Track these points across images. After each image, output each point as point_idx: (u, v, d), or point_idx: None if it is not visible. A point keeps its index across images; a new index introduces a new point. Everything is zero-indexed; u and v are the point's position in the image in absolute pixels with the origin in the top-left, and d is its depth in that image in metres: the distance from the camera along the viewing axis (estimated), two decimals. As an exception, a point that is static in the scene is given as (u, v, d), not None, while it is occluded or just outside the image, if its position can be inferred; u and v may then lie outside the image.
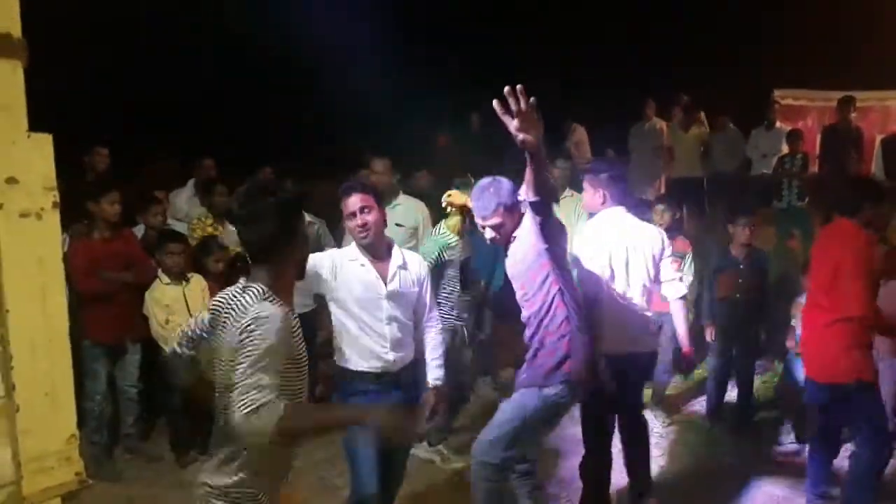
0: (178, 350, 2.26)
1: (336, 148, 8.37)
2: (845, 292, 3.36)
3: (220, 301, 2.09)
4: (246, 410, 1.79)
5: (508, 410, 3.08)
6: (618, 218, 3.47)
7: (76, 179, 5.45)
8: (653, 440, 4.67)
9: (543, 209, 2.85)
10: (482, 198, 3.03)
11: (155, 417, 4.83)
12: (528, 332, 3.11)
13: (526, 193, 2.82)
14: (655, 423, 4.93)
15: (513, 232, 3.06)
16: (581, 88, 9.71)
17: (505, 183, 3.03)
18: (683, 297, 3.69)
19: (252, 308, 1.93)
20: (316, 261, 2.86)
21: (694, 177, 8.49)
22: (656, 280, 3.56)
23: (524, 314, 3.12)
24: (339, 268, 2.92)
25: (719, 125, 8.56)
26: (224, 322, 2.02)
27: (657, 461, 4.43)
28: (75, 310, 4.23)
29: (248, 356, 1.85)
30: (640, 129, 8.87)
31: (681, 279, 3.72)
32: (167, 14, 8.99)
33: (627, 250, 3.41)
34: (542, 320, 3.03)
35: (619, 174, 3.58)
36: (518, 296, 3.14)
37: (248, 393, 1.81)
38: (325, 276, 2.91)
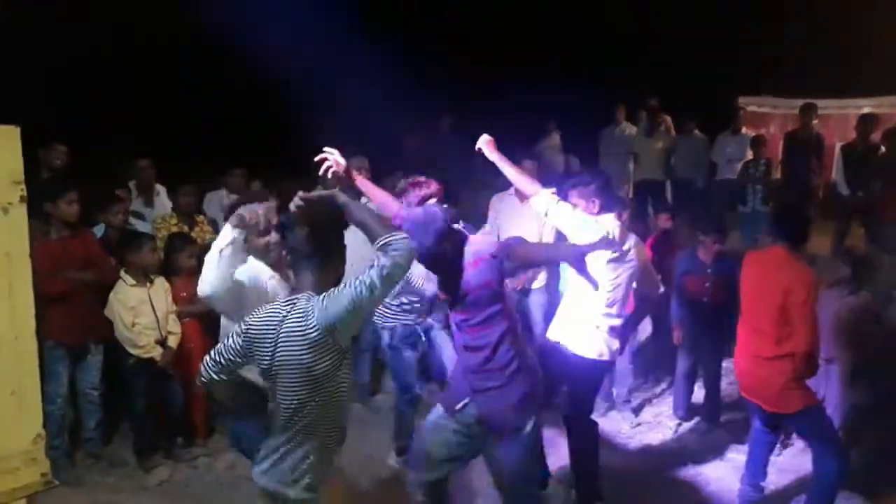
0: (216, 378, 2.34)
1: (305, 149, 8.30)
2: (795, 327, 3.38)
3: (264, 322, 2.20)
4: (390, 258, 2.10)
5: (516, 460, 2.96)
6: (605, 226, 3.52)
7: (32, 176, 5.28)
8: (619, 441, 4.76)
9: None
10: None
11: (117, 421, 4.72)
12: (476, 361, 2.93)
13: (518, 267, 2.94)
14: (623, 425, 4.99)
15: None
16: (551, 91, 9.79)
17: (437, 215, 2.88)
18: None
19: (312, 303, 2.11)
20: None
21: (657, 180, 8.61)
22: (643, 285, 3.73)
23: (473, 341, 2.92)
24: None
25: (685, 130, 8.71)
26: (285, 337, 2.15)
27: (624, 462, 4.49)
28: (37, 310, 4.13)
29: (347, 294, 2.08)
30: (610, 134, 8.97)
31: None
32: (136, 11, 8.83)
33: (615, 261, 3.50)
34: (491, 356, 2.88)
35: (607, 182, 3.69)
36: (460, 319, 2.94)
37: (377, 265, 2.09)
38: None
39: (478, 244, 2.94)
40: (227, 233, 2.67)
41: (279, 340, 2.16)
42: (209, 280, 2.66)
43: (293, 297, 2.21)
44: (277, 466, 2.24)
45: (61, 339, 4.16)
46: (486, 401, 2.91)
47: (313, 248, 2.21)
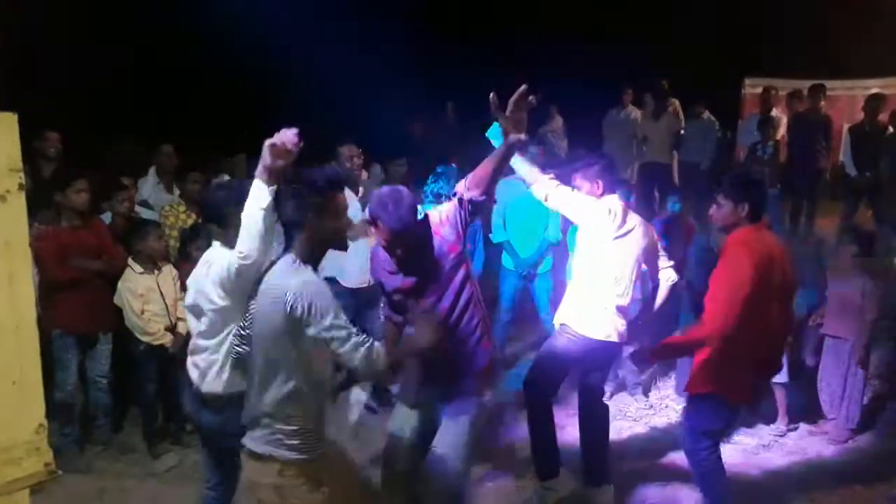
0: (242, 351, 2.45)
1: (310, 136, 8.28)
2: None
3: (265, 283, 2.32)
4: (359, 356, 2.23)
5: (458, 429, 2.85)
6: (615, 205, 3.53)
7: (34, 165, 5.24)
8: (626, 424, 4.76)
9: (483, 209, 2.79)
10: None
11: (126, 408, 4.75)
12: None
13: (473, 190, 2.67)
14: (629, 407, 5.00)
15: None
16: (556, 76, 9.72)
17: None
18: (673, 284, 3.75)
19: (290, 276, 2.23)
20: None
21: (663, 163, 8.53)
22: (650, 268, 3.67)
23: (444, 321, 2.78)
24: None
25: (693, 114, 8.62)
26: (261, 297, 2.30)
27: (631, 444, 4.49)
28: (45, 299, 4.15)
29: (319, 316, 2.18)
30: (615, 117, 8.91)
31: (673, 267, 3.76)
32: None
33: (619, 239, 3.48)
34: (458, 325, 2.80)
35: (610, 163, 3.68)
36: (431, 302, 2.79)
37: (348, 343, 2.22)
38: None
39: (436, 209, 2.83)
40: (264, 190, 2.37)
41: (259, 300, 2.30)
42: (258, 238, 2.39)
43: (278, 257, 2.36)
44: (267, 430, 2.29)
45: (70, 327, 4.20)
46: (448, 376, 2.83)
47: (301, 217, 2.32)
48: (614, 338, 3.56)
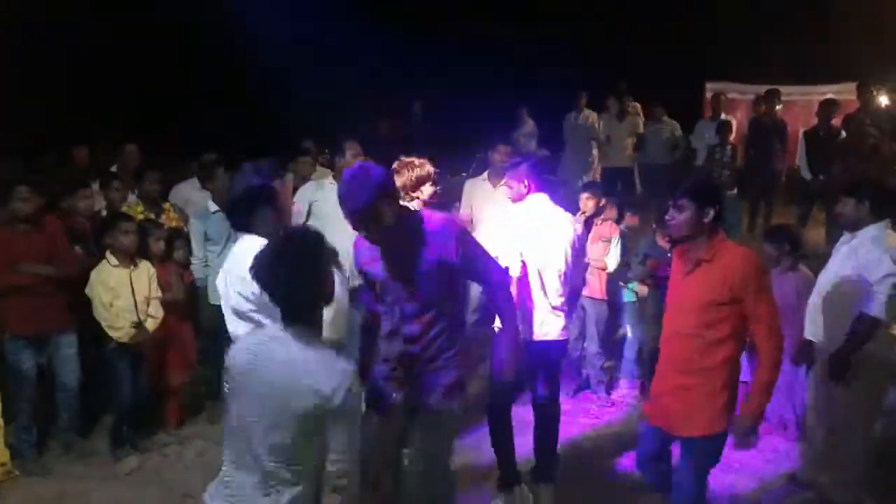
0: None
1: (273, 135, 8.23)
2: None
3: None
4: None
5: (440, 441, 2.86)
6: (535, 205, 3.56)
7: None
8: (586, 421, 4.83)
9: None
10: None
11: (90, 410, 4.64)
12: (418, 348, 2.77)
13: None
14: (591, 404, 5.07)
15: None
16: (519, 78, 9.81)
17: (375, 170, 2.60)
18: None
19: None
20: None
21: (625, 167, 8.67)
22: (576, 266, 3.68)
23: (412, 328, 2.75)
24: None
25: (654, 117, 8.77)
26: None
27: (590, 441, 4.55)
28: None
29: None
30: (571, 121, 9.03)
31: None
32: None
33: (540, 237, 3.49)
34: (439, 334, 2.79)
35: (536, 163, 3.69)
36: (408, 309, 2.75)
37: None
38: None
39: (435, 221, 2.73)
40: None
41: None
42: None
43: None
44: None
45: (21, 330, 4.12)
46: (418, 386, 2.80)
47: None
48: (554, 336, 3.55)
